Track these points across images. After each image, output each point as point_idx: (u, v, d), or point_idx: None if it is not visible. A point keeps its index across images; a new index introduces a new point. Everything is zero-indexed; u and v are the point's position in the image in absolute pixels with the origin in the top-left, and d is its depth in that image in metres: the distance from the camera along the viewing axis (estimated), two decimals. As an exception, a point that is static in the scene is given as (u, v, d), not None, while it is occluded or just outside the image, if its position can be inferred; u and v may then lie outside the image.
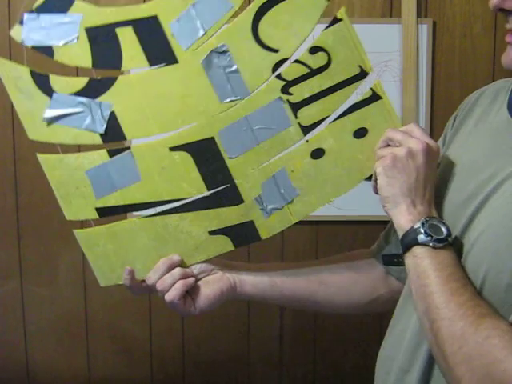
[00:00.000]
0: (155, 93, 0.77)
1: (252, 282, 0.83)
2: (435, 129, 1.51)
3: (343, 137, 0.78)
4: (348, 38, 0.76)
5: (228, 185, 0.79)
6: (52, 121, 0.78)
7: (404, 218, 0.69)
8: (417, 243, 0.67)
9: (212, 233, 0.80)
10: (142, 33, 0.75)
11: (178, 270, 0.78)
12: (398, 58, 1.47)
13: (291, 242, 1.55)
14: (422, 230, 0.66)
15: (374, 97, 0.77)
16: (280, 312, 1.62)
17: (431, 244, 0.66)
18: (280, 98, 0.77)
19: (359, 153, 0.78)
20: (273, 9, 0.75)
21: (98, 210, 0.80)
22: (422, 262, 0.66)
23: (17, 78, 0.77)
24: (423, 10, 1.48)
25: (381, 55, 1.46)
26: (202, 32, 0.76)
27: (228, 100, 0.77)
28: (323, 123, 0.78)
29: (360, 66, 0.77)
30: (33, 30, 0.77)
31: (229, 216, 0.80)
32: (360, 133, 0.78)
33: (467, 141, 0.76)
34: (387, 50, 1.46)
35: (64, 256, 1.58)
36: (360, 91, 0.79)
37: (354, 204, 1.46)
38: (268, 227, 0.81)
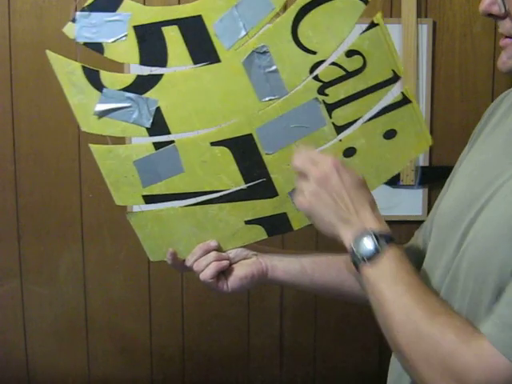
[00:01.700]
0: (198, 90, 0.80)
1: (283, 268, 0.87)
2: (435, 129, 1.51)
3: (374, 137, 0.82)
4: (383, 42, 0.79)
5: (264, 179, 0.84)
6: (102, 114, 0.81)
7: (346, 241, 0.71)
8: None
9: (248, 222, 0.86)
10: (186, 32, 0.78)
11: (213, 254, 0.84)
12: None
13: (291, 243, 1.55)
14: (353, 253, 0.68)
15: (404, 100, 0.81)
16: (280, 312, 1.62)
17: (368, 263, 0.67)
18: (316, 99, 0.81)
19: (388, 153, 0.83)
20: (312, 11, 0.78)
21: (144, 197, 0.86)
22: (369, 280, 0.67)
23: (70, 72, 0.80)
24: (423, 10, 1.48)
25: (381, 55, 1.46)
26: (243, 32, 0.79)
27: (267, 99, 0.81)
28: (356, 123, 0.82)
29: (393, 70, 0.80)
30: (84, 28, 0.80)
31: (264, 208, 0.85)
32: (389, 134, 0.82)
33: (484, 143, 0.77)
34: (387, 50, 1.46)
35: (64, 256, 1.59)
36: (392, 94, 0.82)
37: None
38: (300, 219, 0.86)
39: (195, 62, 0.79)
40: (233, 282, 0.85)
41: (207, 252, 0.85)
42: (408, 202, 1.52)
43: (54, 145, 1.55)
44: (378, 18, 0.79)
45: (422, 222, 1.54)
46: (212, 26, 0.78)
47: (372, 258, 0.67)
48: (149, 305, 1.61)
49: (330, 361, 1.63)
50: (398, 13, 1.45)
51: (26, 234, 1.58)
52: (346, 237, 0.70)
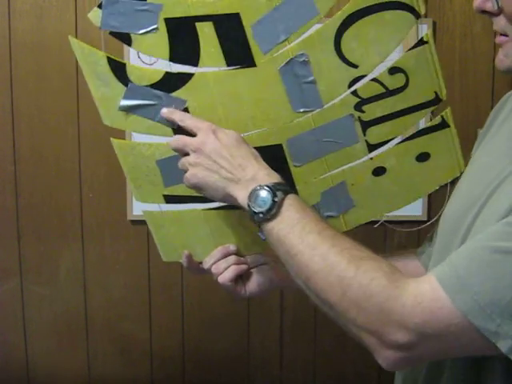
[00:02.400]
0: (230, 94, 0.76)
1: None
2: (435, 129, 1.51)
3: (406, 159, 0.80)
4: (430, 62, 0.76)
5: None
6: (127, 110, 0.77)
7: (241, 200, 0.69)
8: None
9: None
10: (222, 30, 0.73)
11: (232, 257, 0.84)
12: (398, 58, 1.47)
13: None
14: (251, 211, 0.67)
15: (443, 124, 0.78)
16: (280, 312, 1.62)
17: (267, 216, 0.65)
18: (352, 115, 0.77)
19: (418, 175, 0.81)
20: (359, 21, 0.73)
21: (165, 196, 0.83)
22: (273, 234, 0.66)
23: (94, 63, 0.75)
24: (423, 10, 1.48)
25: (381, 55, 1.46)
26: (283, 37, 0.74)
27: (301, 110, 0.77)
28: (389, 143, 0.79)
29: (436, 92, 0.77)
30: (112, 15, 0.72)
31: None
32: (422, 157, 0.80)
33: (488, 144, 0.76)
34: (387, 49, 1.46)
35: (64, 256, 1.59)
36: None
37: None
38: None
39: (229, 64, 0.75)
40: (251, 286, 0.85)
41: (226, 255, 0.84)
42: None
43: (53, 145, 1.55)
44: (427, 35, 0.76)
45: (422, 222, 1.54)
46: (250, 26, 0.72)
47: (271, 210, 0.65)
48: (149, 305, 1.61)
49: (330, 361, 1.63)
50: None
51: (26, 234, 1.58)
52: (240, 196, 0.68)
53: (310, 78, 0.75)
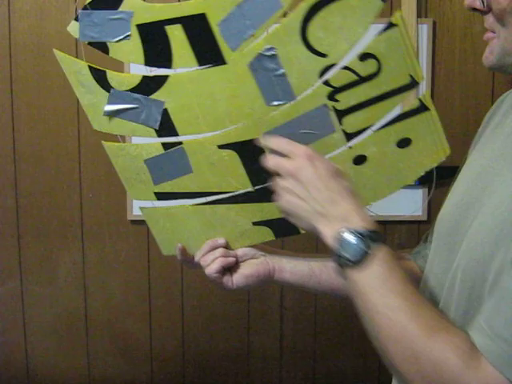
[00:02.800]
0: (204, 92, 0.78)
1: (291, 269, 0.87)
2: (435, 129, 1.51)
3: (386, 145, 0.78)
4: (402, 45, 0.74)
5: (271, 183, 0.81)
6: (112, 114, 0.80)
7: (327, 239, 0.65)
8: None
9: (255, 223, 0.85)
10: (190, 31, 0.75)
11: (219, 250, 0.85)
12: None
13: (291, 243, 1.55)
14: (337, 254, 0.63)
15: (422, 108, 0.77)
16: (280, 312, 1.62)
17: (355, 266, 0.62)
18: (326, 105, 0.76)
19: (400, 162, 0.79)
20: (324, 9, 0.72)
21: (156, 194, 0.85)
22: (356, 284, 0.63)
23: (77, 72, 0.78)
24: (423, 10, 1.48)
25: (381, 55, 1.46)
26: (250, 32, 0.74)
27: (275, 103, 0.77)
28: (367, 131, 0.78)
29: (411, 76, 0.74)
30: (87, 27, 0.76)
31: (271, 210, 0.83)
32: (403, 143, 0.78)
33: (484, 145, 0.76)
34: (387, 50, 1.46)
35: (64, 256, 1.59)
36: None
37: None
38: None
39: (200, 64, 0.76)
40: (238, 278, 0.86)
41: (215, 248, 0.86)
42: (408, 202, 1.52)
43: (53, 145, 1.55)
44: (396, 17, 0.73)
45: (421, 222, 1.55)
46: (217, 25, 0.74)
47: (360, 261, 0.61)
48: (149, 305, 1.61)
49: (330, 361, 1.63)
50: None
51: (26, 234, 1.58)
52: (326, 233, 0.65)
53: (280, 71, 0.75)
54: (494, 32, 0.67)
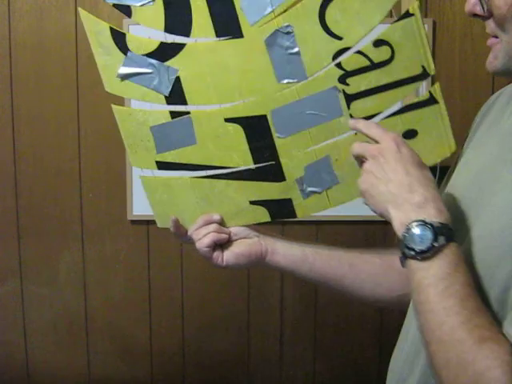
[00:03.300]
0: (218, 64, 0.78)
1: (284, 253, 0.86)
2: (435, 129, 1.51)
3: None
4: (416, 35, 0.74)
5: (273, 162, 0.82)
6: (125, 77, 0.80)
7: (396, 224, 0.63)
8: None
9: (252, 202, 0.85)
10: (212, 2, 0.76)
11: (213, 225, 0.85)
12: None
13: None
14: (403, 242, 0.61)
15: (431, 100, 0.76)
16: (280, 312, 1.62)
17: (418, 257, 0.60)
18: (336, 87, 0.77)
19: None
20: None
21: (157, 163, 0.84)
22: (415, 276, 0.60)
23: (98, 32, 0.79)
24: (423, 10, 1.48)
25: (381, 55, 1.46)
26: (269, 9, 0.75)
27: (285, 81, 0.78)
28: (375, 118, 0.78)
29: (423, 66, 0.75)
30: None
31: (270, 191, 0.84)
32: (409, 134, 0.78)
33: (480, 144, 0.75)
34: (387, 49, 1.46)
35: (64, 256, 1.59)
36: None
37: (354, 204, 1.45)
38: (304, 208, 0.84)
39: (218, 35, 0.77)
40: (229, 256, 0.85)
41: (209, 223, 0.85)
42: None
43: (53, 145, 1.55)
44: (414, 7, 0.73)
45: (422, 222, 1.54)
46: None
47: (426, 253, 0.59)
48: (149, 305, 1.61)
49: (330, 360, 1.63)
50: (398, 13, 1.45)
51: (26, 234, 1.58)
52: (396, 219, 0.62)
53: (295, 50, 0.76)
54: (496, 37, 0.66)
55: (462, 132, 1.64)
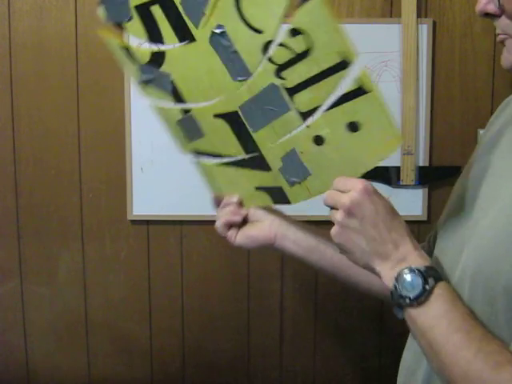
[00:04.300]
0: (189, 66, 0.80)
1: (295, 239, 0.88)
2: (435, 129, 1.51)
3: (337, 128, 0.75)
4: (324, 17, 0.68)
5: (257, 153, 0.83)
6: (144, 83, 0.84)
7: (385, 277, 0.64)
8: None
9: (257, 188, 0.87)
10: (165, 10, 0.77)
11: (229, 207, 0.89)
12: (398, 58, 1.47)
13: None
14: (396, 293, 0.62)
15: (360, 90, 0.71)
16: (280, 312, 1.62)
17: (414, 303, 0.61)
18: (275, 83, 0.75)
19: (355, 146, 0.75)
20: None
21: (191, 151, 0.88)
22: (416, 323, 0.62)
23: (115, 49, 0.84)
24: (423, 10, 1.48)
25: (381, 55, 1.46)
26: (203, 8, 0.75)
27: (239, 79, 0.78)
28: (318, 110, 0.76)
29: (341, 54, 0.70)
30: (109, 9, 0.81)
31: (265, 178, 0.85)
32: (353, 126, 0.74)
33: (492, 144, 0.75)
34: (387, 49, 1.46)
35: (64, 256, 1.59)
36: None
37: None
38: (294, 195, 0.84)
39: (180, 41, 0.78)
40: (240, 237, 0.89)
41: (227, 204, 0.89)
42: (408, 202, 1.52)
43: (53, 145, 1.55)
44: None
45: (421, 222, 1.54)
46: (179, 3, 0.76)
47: (420, 297, 0.61)
48: (149, 305, 1.61)
49: (330, 361, 1.63)
50: (398, 13, 1.45)
51: (26, 234, 1.58)
52: (385, 274, 0.64)
53: (233, 48, 0.75)
54: (506, 34, 0.66)
55: (462, 131, 1.64)
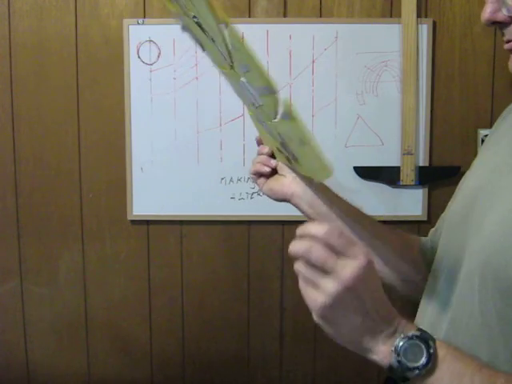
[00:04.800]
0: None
1: (311, 203, 0.89)
2: (435, 129, 1.51)
3: (291, 138, 0.73)
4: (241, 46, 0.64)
5: (264, 122, 0.81)
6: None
7: (382, 354, 0.59)
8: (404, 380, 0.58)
9: (278, 148, 0.86)
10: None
11: (261, 157, 0.94)
12: (398, 58, 1.47)
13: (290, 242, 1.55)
14: (400, 367, 0.57)
15: (285, 115, 0.68)
16: (280, 312, 1.62)
17: (423, 372, 0.57)
18: (242, 80, 0.70)
19: (307, 157, 0.73)
20: None
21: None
22: None
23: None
24: (423, 10, 1.48)
25: (381, 55, 1.46)
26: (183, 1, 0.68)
27: (228, 62, 0.72)
28: (264, 124, 0.77)
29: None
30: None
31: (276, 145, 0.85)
32: (300, 141, 0.71)
33: (498, 143, 0.75)
34: (387, 50, 1.46)
35: (64, 256, 1.59)
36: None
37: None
38: (300, 167, 0.79)
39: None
40: (266, 187, 0.94)
41: (260, 154, 0.94)
42: (408, 202, 1.52)
43: (53, 145, 1.55)
44: (224, 16, 0.63)
45: (422, 222, 1.54)
46: None
47: (428, 364, 0.56)
48: (149, 305, 1.61)
49: (330, 360, 1.63)
50: (398, 13, 1.45)
51: (26, 234, 1.58)
52: (380, 351, 0.58)
53: (210, 37, 0.69)
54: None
55: (462, 131, 1.64)
